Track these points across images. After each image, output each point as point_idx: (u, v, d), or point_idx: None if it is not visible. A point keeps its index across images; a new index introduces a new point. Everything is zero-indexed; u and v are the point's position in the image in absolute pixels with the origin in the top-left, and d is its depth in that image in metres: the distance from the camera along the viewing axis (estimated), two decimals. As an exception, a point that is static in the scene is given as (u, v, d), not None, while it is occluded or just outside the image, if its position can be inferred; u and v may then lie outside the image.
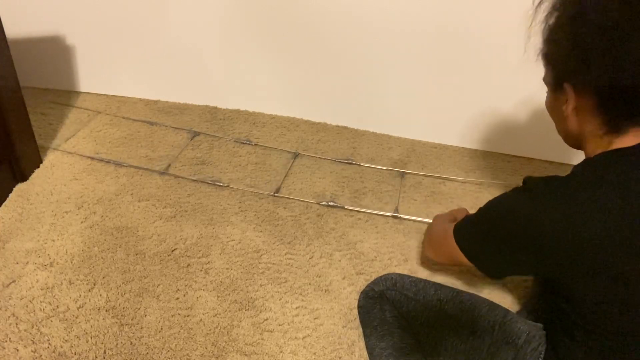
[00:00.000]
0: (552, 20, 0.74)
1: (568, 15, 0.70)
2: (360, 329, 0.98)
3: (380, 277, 0.96)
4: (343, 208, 1.32)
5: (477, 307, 0.86)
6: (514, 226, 0.73)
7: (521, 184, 0.76)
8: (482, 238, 0.81)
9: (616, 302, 0.66)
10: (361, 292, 0.98)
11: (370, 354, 0.91)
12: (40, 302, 1.04)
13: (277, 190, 1.37)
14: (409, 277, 0.94)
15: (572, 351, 0.73)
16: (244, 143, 1.56)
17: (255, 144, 1.56)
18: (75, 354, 0.95)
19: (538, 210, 0.69)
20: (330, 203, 1.32)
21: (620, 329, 0.67)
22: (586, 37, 0.67)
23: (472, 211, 1.29)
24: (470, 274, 1.15)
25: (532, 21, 0.77)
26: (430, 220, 1.28)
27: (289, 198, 1.35)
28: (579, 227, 0.65)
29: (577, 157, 1.58)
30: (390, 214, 1.30)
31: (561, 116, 0.77)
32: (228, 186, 1.38)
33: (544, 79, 0.81)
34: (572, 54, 0.70)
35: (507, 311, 0.86)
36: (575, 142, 0.79)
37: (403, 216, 1.29)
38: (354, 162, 1.49)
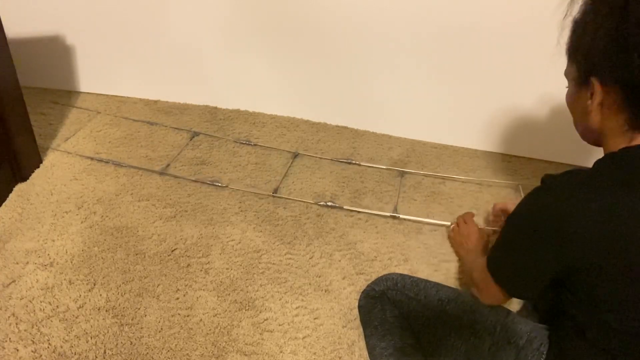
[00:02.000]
0: (585, 13, 0.72)
1: (606, 7, 0.68)
2: (361, 329, 0.97)
3: (381, 277, 0.96)
4: (342, 208, 1.32)
5: (479, 307, 0.86)
6: (538, 225, 0.70)
7: (540, 184, 0.73)
8: (509, 252, 0.78)
9: (633, 303, 0.65)
10: (362, 292, 0.98)
11: (370, 353, 0.91)
12: (40, 302, 1.04)
13: (276, 191, 1.37)
14: (410, 277, 0.94)
15: (581, 352, 0.72)
16: (243, 143, 1.56)
17: (255, 144, 1.55)
18: (75, 354, 0.95)
19: (561, 204, 0.67)
20: (329, 203, 1.32)
21: (635, 330, 0.67)
22: (625, 30, 0.65)
23: (467, 210, 1.29)
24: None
25: (567, 13, 0.75)
26: (429, 220, 1.28)
27: (288, 198, 1.35)
28: (604, 223, 0.64)
29: (578, 157, 1.59)
30: (389, 214, 1.30)
31: (583, 111, 0.75)
32: (227, 186, 1.38)
33: (566, 74, 0.79)
34: (608, 47, 0.68)
35: (508, 311, 0.86)
36: (594, 138, 0.77)
37: (402, 216, 1.29)
38: (354, 162, 1.49)
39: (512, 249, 0.77)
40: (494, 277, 0.80)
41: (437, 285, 0.92)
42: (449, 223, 1.27)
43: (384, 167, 1.48)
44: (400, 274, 0.95)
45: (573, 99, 0.79)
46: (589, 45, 0.71)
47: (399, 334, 0.89)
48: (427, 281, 0.93)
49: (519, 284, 0.78)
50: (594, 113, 0.73)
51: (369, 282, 0.98)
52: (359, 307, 0.97)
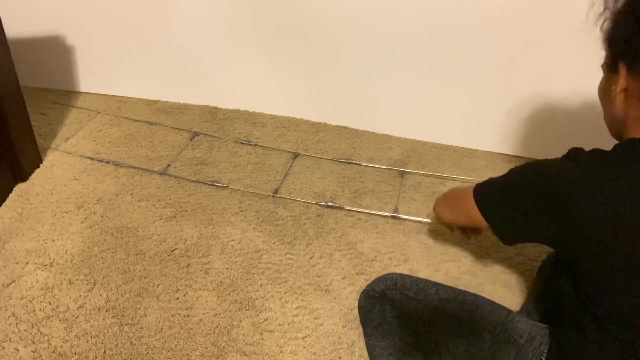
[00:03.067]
0: None
1: None
2: (361, 329, 0.97)
3: (381, 276, 0.96)
4: (342, 208, 1.32)
5: (479, 307, 0.86)
6: (549, 189, 0.70)
7: (565, 154, 0.73)
8: (506, 197, 0.78)
9: (631, 291, 0.65)
10: (361, 292, 0.98)
11: (370, 353, 0.91)
12: (40, 302, 1.04)
13: (276, 191, 1.37)
14: (409, 276, 0.94)
15: (581, 349, 0.72)
16: (244, 143, 1.56)
17: (254, 145, 1.55)
18: (75, 354, 0.95)
19: (580, 179, 0.66)
20: (330, 204, 1.32)
21: (633, 325, 0.67)
22: None
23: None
24: (471, 274, 1.15)
25: None
26: (429, 220, 1.28)
27: (289, 198, 1.35)
28: (619, 207, 0.63)
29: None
30: (389, 214, 1.30)
31: (609, 98, 0.75)
32: (227, 187, 1.38)
33: (602, 63, 0.78)
34: (632, 32, 0.68)
35: (509, 311, 0.86)
36: (617, 129, 0.76)
37: (402, 216, 1.29)
38: (354, 162, 1.49)
39: (511, 193, 0.77)
40: (481, 206, 0.80)
41: (436, 284, 0.92)
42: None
43: (384, 167, 1.48)
44: (400, 274, 0.95)
45: (602, 87, 0.78)
46: (617, 29, 0.71)
47: (398, 333, 0.89)
48: (426, 281, 0.93)
49: (504, 224, 0.79)
50: (618, 99, 0.73)
51: (369, 282, 0.98)
52: (359, 307, 0.97)
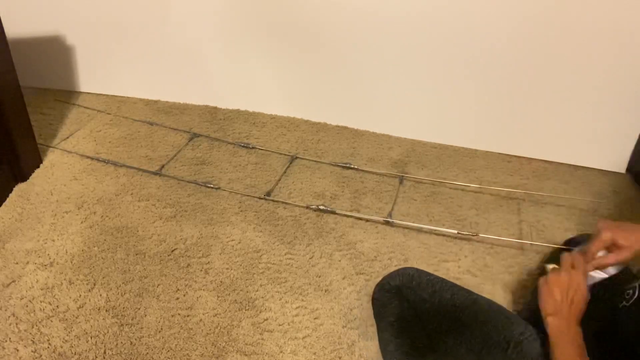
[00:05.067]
0: None
1: None
2: (361, 329, 0.97)
3: (398, 270, 0.91)
4: (334, 212, 1.30)
5: (493, 319, 0.83)
6: None
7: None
8: None
9: None
10: (377, 284, 0.93)
11: (384, 349, 0.87)
12: (40, 302, 1.04)
13: (269, 194, 1.35)
14: (427, 274, 0.89)
15: None
16: (243, 146, 1.54)
17: (253, 147, 1.55)
18: (75, 354, 0.95)
19: None
20: (321, 207, 1.30)
21: None
22: None
23: (467, 210, 1.28)
24: (471, 274, 1.15)
25: None
26: (423, 226, 1.26)
27: (286, 202, 1.35)
28: None
29: (577, 157, 1.58)
30: (382, 219, 1.28)
31: None
32: (220, 188, 1.38)
33: None
34: None
35: (525, 327, 0.82)
36: None
37: (396, 222, 1.27)
38: (353, 167, 1.47)
39: None
40: None
41: (452, 288, 0.88)
42: (443, 229, 1.26)
43: (384, 171, 1.47)
44: (417, 270, 0.89)
45: None
46: None
47: (415, 332, 0.85)
48: (443, 281, 0.88)
49: None
50: None
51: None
52: (373, 299, 0.93)
